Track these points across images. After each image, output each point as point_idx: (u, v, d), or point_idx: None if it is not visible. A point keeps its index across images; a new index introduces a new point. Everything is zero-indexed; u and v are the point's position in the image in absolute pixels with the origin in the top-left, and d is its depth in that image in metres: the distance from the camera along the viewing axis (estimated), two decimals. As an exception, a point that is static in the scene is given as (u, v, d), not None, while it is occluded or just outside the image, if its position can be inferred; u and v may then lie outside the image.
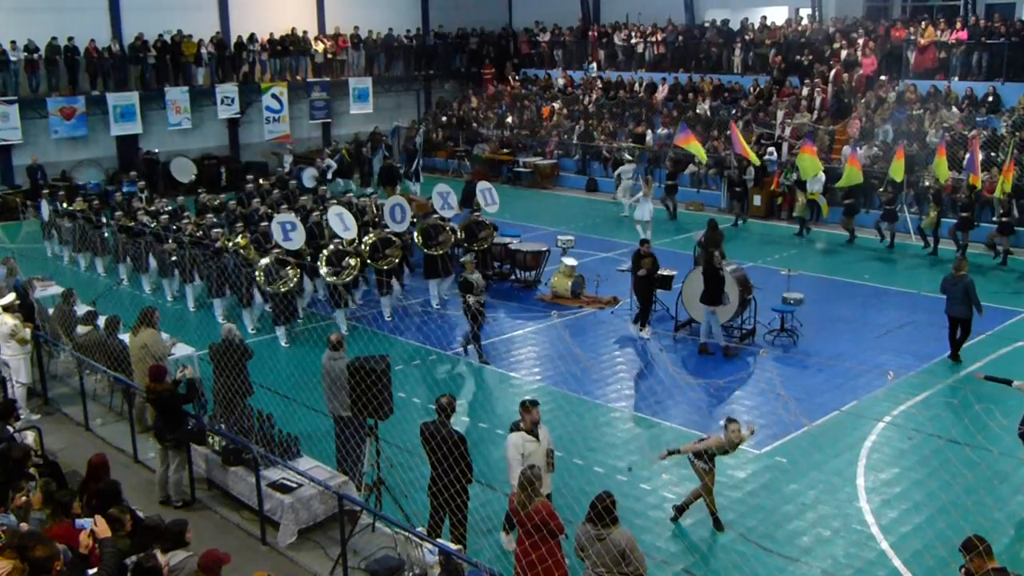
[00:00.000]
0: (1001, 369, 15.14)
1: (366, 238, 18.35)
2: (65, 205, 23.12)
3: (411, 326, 17.82)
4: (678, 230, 25.12)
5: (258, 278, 16.98)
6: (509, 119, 35.55)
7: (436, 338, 16.83)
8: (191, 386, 11.25)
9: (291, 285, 17.02)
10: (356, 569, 9.34)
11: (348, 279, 17.45)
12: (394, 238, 18.58)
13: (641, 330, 16.77)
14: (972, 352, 15.74)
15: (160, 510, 10.37)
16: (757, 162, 25.81)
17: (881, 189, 23.51)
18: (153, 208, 21.89)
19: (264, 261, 16.94)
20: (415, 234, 18.98)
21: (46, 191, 24.72)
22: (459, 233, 19.47)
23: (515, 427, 9.52)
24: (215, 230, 18.63)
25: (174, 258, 19.26)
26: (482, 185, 21.37)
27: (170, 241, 19.30)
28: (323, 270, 17.34)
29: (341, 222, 18.32)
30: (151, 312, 13.08)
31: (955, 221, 22.24)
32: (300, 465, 10.62)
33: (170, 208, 21.65)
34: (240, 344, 12.28)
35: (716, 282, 15.70)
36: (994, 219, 22.31)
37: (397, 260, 18.42)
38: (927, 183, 23.77)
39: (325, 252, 17.45)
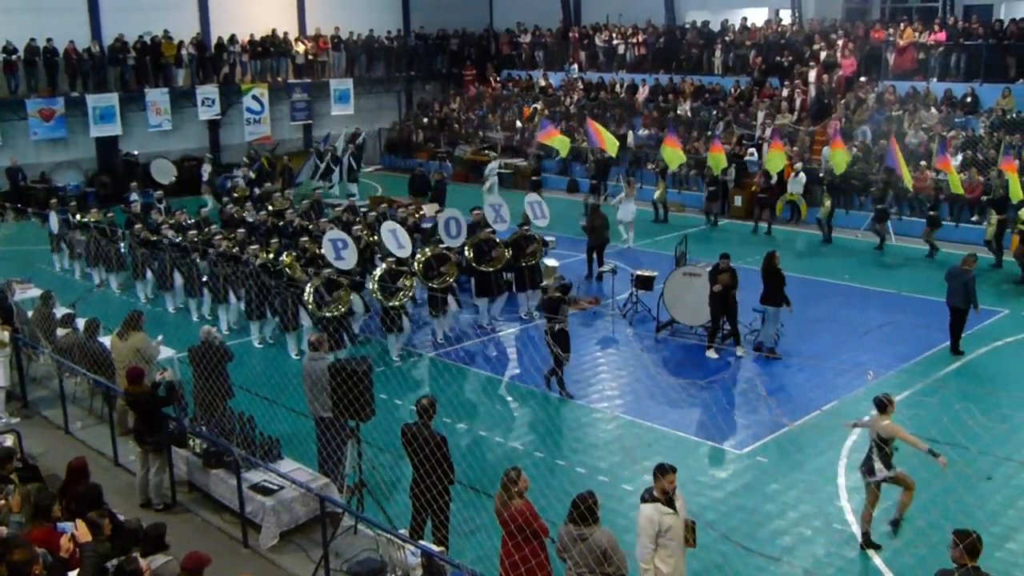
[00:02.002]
0: (985, 366, 15.31)
1: (418, 255, 16.95)
2: (78, 217, 21.82)
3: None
4: (660, 231, 25.16)
5: (307, 301, 15.48)
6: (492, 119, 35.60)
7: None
8: (170, 389, 11.20)
9: (343, 308, 15.58)
10: (338, 571, 9.31)
11: (404, 301, 16.10)
12: (449, 254, 17.15)
13: (739, 347, 16.05)
14: (948, 354, 15.91)
15: (141, 513, 10.33)
16: (614, 153, 26.21)
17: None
18: (174, 220, 20.59)
19: (313, 282, 15.52)
20: (466, 249, 17.47)
21: (54, 201, 23.66)
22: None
23: (647, 496, 8.10)
24: (252, 247, 17.39)
25: (204, 277, 17.94)
26: (530, 198, 19.78)
27: (196, 258, 18.07)
28: (375, 291, 16.02)
29: (395, 239, 16.98)
30: (138, 315, 13.02)
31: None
32: (282, 467, 10.59)
33: (194, 220, 20.62)
34: (220, 346, 12.23)
35: (777, 282, 15.63)
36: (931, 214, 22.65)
37: (453, 278, 17.04)
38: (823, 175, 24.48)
39: (377, 272, 16.14)
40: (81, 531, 7.49)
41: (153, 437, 10.91)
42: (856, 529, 10.47)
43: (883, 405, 10.23)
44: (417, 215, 20.82)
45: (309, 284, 15.46)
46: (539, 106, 35.18)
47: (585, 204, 23.38)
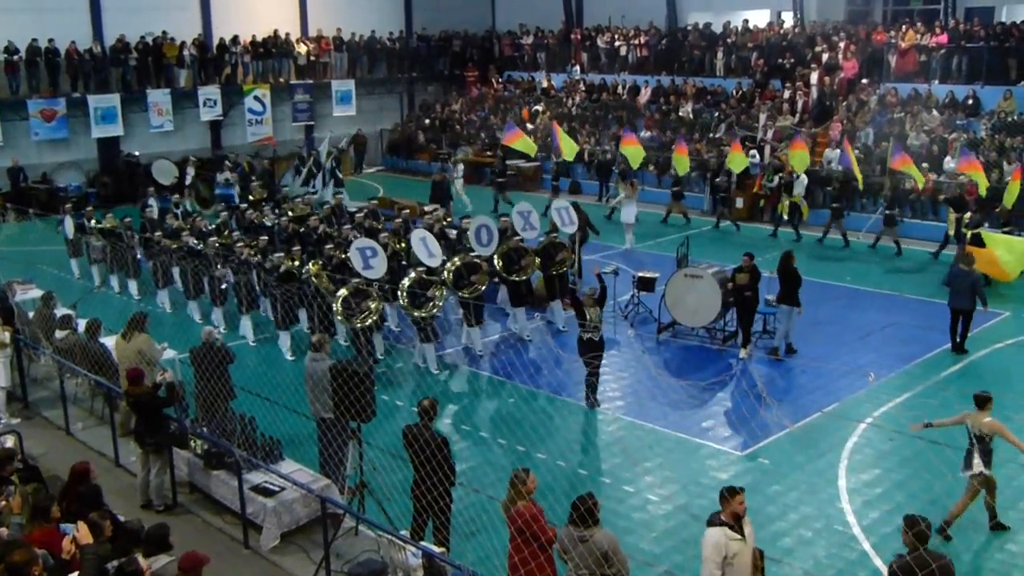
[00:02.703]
0: (987, 368, 15.32)
1: (448, 264, 16.40)
2: (93, 223, 21.17)
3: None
4: (660, 233, 25.16)
5: (336, 312, 15.11)
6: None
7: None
8: (171, 389, 11.20)
9: (374, 319, 15.25)
10: (339, 572, 9.32)
11: (434, 312, 15.52)
12: (480, 263, 16.63)
13: (743, 350, 16.05)
14: (949, 356, 15.92)
15: (142, 514, 10.33)
16: (571, 157, 26.75)
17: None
18: (194, 226, 19.93)
19: (342, 292, 15.13)
20: (495, 259, 16.98)
21: (68, 205, 22.78)
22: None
23: (714, 519, 7.67)
24: (277, 255, 17.03)
25: (223, 285, 17.46)
26: (557, 204, 19.07)
27: (220, 266, 17.47)
28: (403, 301, 15.44)
29: (425, 248, 16.54)
30: (142, 316, 13.02)
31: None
32: (283, 468, 10.60)
33: (213, 226, 20.16)
34: (221, 348, 12.24)
35: (793, 282, 15.68)
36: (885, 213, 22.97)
37: (484, 287, 16.52)
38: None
39: (407, 281, 15.57)
40: (82, 533, 7.48)
41: (154, 438, 10.92)
42: (857, 530, 10.47)
43: (983, 401, 10.22)
44: (444, 222, 20.06)
45: (338, 294, 15.12)
46: (541, 107, 35.19)
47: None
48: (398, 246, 18.14)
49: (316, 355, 11.34)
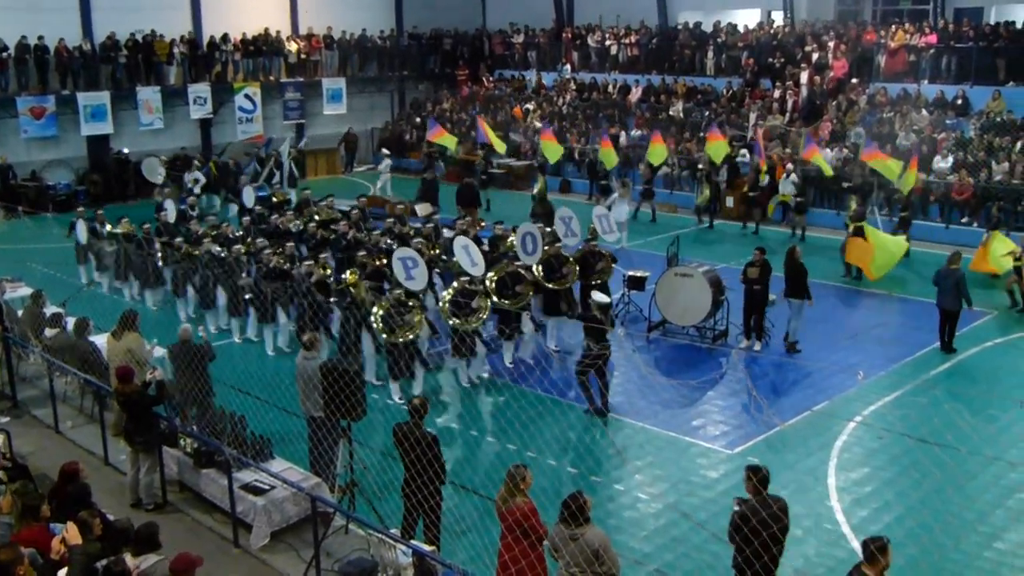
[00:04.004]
0: (975, 367, 15.39)
1: (490, 273, 15.61)
2: (109, 228, 20.20)
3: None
4: (652, 232, 25.18)
5: (375, 326, 14.21)
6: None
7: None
8: (160, 388, 11.18)
9: (417, 333, 14.35)
10: (329, 571, 9.31)
11: (478, 324, 14.75)
12: (524, 272, 15.85)
13: (747, 341, 16.26)
14: (937, 355, 15.98)
15: (131, 513, 10.29)
16: (502, 150, 27.99)
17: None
18: (218, 232, 18.89)
19: (382, 305, 14.28)
20: (536, 267, 16.18)
21: (81, 208, 21.41)
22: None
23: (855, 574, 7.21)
24: (307, 263, 16.19)
25: (248, 295, 16.58)
26: (598, 211, 18.53)
27: (245, 275, 16.82)
28: (444, 312, 14.76)
29: (468, 256, 15.73)
30: (133, 315, 12.99)
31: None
32: (273, 467, 10.58)
33: (239, 232, 19.31)
34: (203, 346, 12.28)
35: (800, 276, 15.94)
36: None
37: (530, 297, 15.82)
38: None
39: (448, 292, 14.99)
40: (71, 533, 7.47)
41: (143, 436, 10.89)
42: (847, 528, 10.50)
43: None
44: (478, 228, 19.22)
45: (376, 307, 14.26)
46: (531, 106, 35.19)
47: (533, 196, 24.59)
48: (433, 252, 17.59)
49: (308, 354, 11.32)
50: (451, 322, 14.61)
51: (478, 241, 17.61)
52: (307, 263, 16.18)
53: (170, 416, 11.62)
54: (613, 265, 17.03)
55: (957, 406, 10.63)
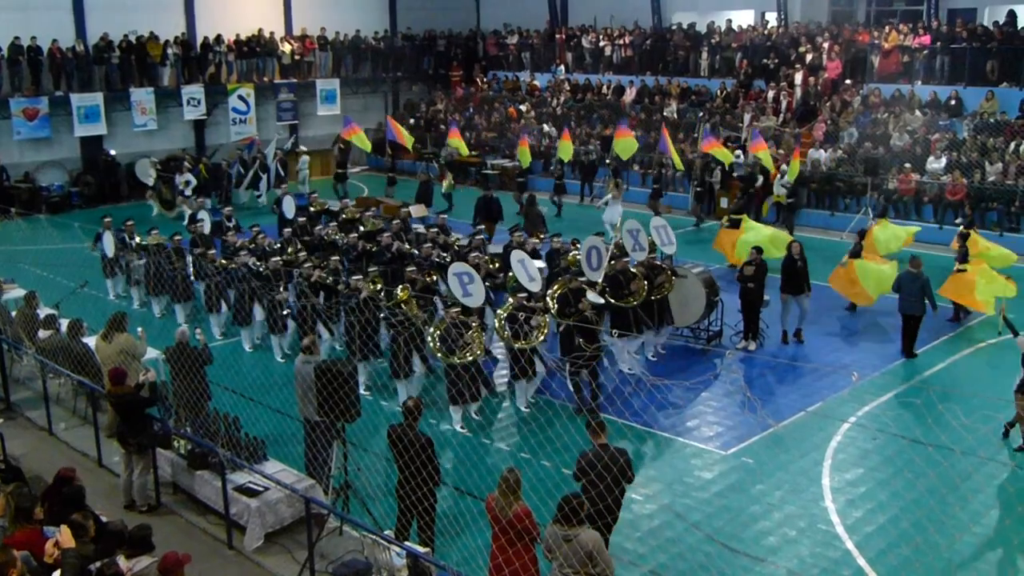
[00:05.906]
0: (969, 367, 15.42)
1: (550, 291, 14.78)
2: (138, 240, 19.37)
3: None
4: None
5: (432, 347, 13.45)
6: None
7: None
8: (153, 389, 11.16)
9: (477, 353, 13.42)
10: (323, 573, 9.30)
11: (538, 342, 13.95)
12: (588, 288, 14.80)
13: (744, 342, 16.29)
14: (931, 356, 16.03)
15: (125, 515, 10.28)
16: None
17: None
18: (255, 244, 17.95)
19: (438, 325, 13.62)
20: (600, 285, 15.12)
21: (108, 219, 19.38)
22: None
23: None
24: (355, 277, 15.13)
25: (285, 311, 15.82)
26: (656, 222, 17.34)
27: (282, 289, 15.90)
28: (501, 331, 14.06)
29: (524, 270, 14.88)
30: (122, 316, 12.96)
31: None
32: (267, 469, 10.57)
33: (278, 244, 18.29)
34: (202, 349, 12.26)
35: (795, 270, 16.25)
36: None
37: (591, 312, 14.32)
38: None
39: (504, 310, 14.20)
40: (65, 536, 7.45)
41: (136, 438, 10.87)
42: (841, 529, 10.52)
43: None
44: (538, 240, 18.38)
45: (432, 327, 13.57)
46: (525, 107, 35.18)
47: (520, 200, 24.99)
48: (492, 265, 16.87)
49: (307, 357, 11.28)
50: (510, 343, 13.76)
51: (536, 255, 16.97)
52: (355, 278, 15.18)
53: (163, 418, 11.59)
54: (673, 280, 15.98)
55: (951, 406, 10.63)
